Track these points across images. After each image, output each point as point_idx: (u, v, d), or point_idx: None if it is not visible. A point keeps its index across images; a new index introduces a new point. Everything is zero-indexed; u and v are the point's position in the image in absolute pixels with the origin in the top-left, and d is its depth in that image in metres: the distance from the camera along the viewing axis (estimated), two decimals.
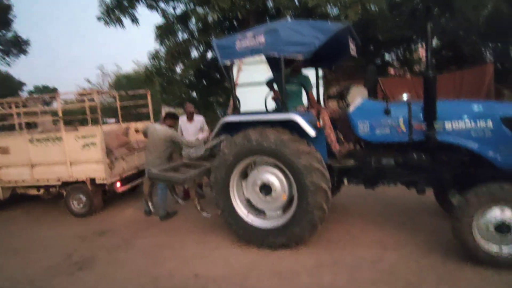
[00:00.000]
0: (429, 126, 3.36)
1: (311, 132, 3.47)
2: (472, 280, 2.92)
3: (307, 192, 3.47)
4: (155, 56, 10.93)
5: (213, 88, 12.34)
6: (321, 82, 5.27)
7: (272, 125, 3.67)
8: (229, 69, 3.94)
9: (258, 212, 3.97)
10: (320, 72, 5.06)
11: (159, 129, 5.12)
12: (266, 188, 3.76)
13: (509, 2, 7.54)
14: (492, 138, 3.22)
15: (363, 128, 3.67)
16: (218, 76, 11.76)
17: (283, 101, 3.68)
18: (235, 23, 10.78)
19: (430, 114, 3.33)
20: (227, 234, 4.19)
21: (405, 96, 3.68)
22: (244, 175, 4.00)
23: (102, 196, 5.96)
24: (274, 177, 3.73)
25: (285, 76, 3.64)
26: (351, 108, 3.75)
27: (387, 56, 14.86)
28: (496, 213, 2.97)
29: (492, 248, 3.02)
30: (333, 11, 9.06)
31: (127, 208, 6.07)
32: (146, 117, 7.15)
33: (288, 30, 3.46)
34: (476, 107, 3.36)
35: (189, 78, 11.75)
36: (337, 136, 4.13)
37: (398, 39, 11.75)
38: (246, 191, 3.98)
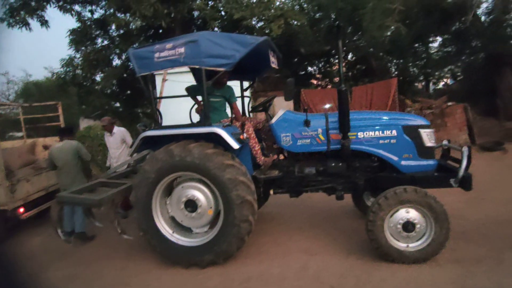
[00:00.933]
0: (344, 136, 3.60)
1: (235, 145, 3.44)
2: (385, 278, 3.15)
3: (233, 206, 3.41)
4: (69, 63, 9.95)
5: (138, 99, 11.69)
6: (248, 93, 5.32)
7: (195, 138, 3.56)
8: (147, 80, 3.73)
9: (184, 230, 3.79)
10: (246, 84, 5.12)
11: (61, 146, 4.76)
12: (191, 204, 3.61)
13: (406, 25, 8.74)
14: (396, 146, 3.59)
15: (285, 139, 3.78)
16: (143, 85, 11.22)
17: (206, 114, 3.60)
18: (160, 31, 10.42)
19: (344, 125, 3.58)
20: (151, 257, 3.91)
21: (327, 106, 3.90)
22: (168, 191, 3.79)
23: (3, 225, 5.13)
24: (199, 193, 3.60)
25: (208, 88, 3.58)
26: (274, 120, 3.84)
27: (310, 68, 15.91)
28: (402, 214, 3.29)
29: (401, 245, 3.34)
30: (258, 24, 9.36)
31: (35, 237, 5.30)
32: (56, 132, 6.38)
33: (208, 42, 3.41)
34: (383, 118, 3.74)
35: (110, 88, 10.96)
36: (262, 147, 4.19)
37: (319, 53, 12.66)
38: (170, 209, 3.76)
